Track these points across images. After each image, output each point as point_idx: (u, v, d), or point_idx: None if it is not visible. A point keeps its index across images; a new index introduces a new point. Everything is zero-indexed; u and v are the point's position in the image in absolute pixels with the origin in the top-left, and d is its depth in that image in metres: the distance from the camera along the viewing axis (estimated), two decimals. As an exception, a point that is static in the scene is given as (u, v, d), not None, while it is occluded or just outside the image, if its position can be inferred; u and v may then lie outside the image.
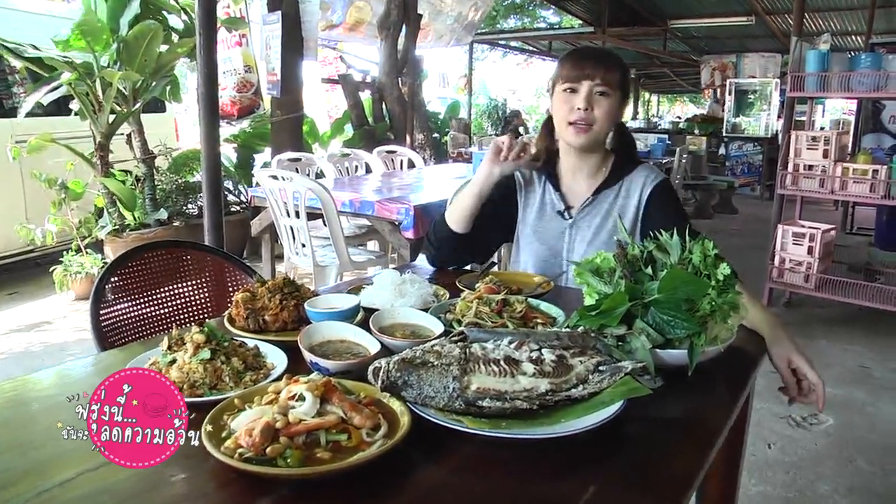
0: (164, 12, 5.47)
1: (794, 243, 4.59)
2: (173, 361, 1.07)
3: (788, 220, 4.74)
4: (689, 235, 1.26)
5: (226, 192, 6.40)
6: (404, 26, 7.60)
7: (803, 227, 4.61)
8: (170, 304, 1.90)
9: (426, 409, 0.96)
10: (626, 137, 1.95)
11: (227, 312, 1.34)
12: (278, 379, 1.00)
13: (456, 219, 1.86)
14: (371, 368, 0.98)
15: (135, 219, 5.25)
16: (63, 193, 4.84)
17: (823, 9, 9.83)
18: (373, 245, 4.75)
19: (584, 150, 1.82)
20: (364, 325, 1.26)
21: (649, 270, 1.19)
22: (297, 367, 1.12)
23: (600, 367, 1.01)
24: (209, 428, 0.87)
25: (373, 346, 1.14)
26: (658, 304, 1.12)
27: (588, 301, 1.23)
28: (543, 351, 1.01)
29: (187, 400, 1.01)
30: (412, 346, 1.08)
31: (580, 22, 12.54)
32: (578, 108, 1.71)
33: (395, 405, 0.95)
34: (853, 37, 10.91)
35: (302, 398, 0.88)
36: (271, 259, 4.37)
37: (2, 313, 4.57)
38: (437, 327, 1.25)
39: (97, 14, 5.02)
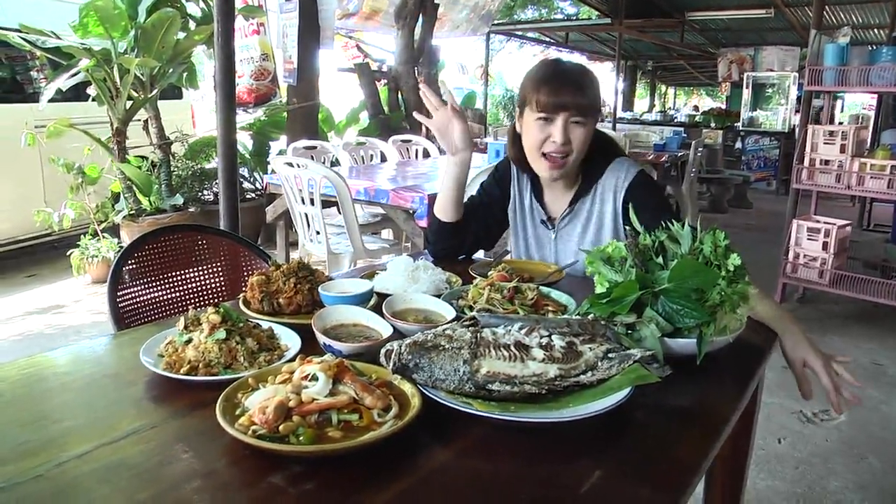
0: (182, 0, 5.50)
1: (808, 238, 4.56)
2: (189, 341, 1.09)
3: (803, 215, 4.70)
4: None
5: (241, 179, 6.43)
6: (421, 16, 7.59)
7: (818, 222, 4.57)
8: (186, 287, 1.93)
9: (437, 391, 0.97)
10: (597, 136, 1.80)
11: (241, 295, 1.36)
12: (292, 360, 1.02)
13: (441, 208, 1.87)
14: (383, 351, 0.99)
15: (150, 204, 5.30)
16: (80, 178, 4.90)
17: (844, 1, 9.70)
18: (387, 233, 4.77)
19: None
20: (377, 309, 1.28)
21: (660, 260, 1.19)
22: (310, 349, 1.14)
23: (609, 355, 1.02)
24: (223, 405, 0.89)
25: (385, 330, 1.16)
26: (668, 293, 1.12)
27: (599, 289, 1.23)
28: (553, 337, 1.03)
29: (202, 379, 1.04)
30: (424, 330, 1.09)
31: (597, 13, 12.46)
32: (555, 142, 1.65)
33: (406, 387, 0.96)
34: (875, 30, 10.77)
35: (315, 378, 0.89)
36: (286, 246, 4.40)
37: (20, 295, 4.64)
38: (448, 313, 1.27)
39: (115, 0, 5.06)
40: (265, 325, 1.21)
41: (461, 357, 0.97)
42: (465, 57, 15.34)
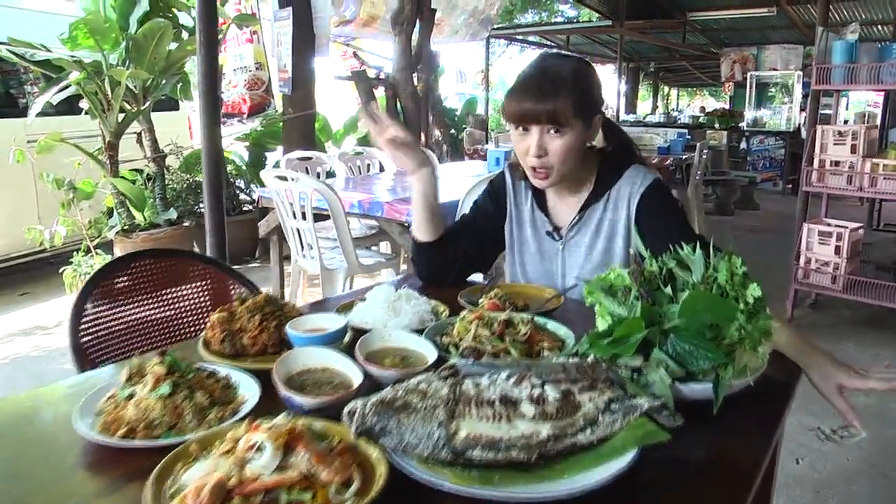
0: (174, 10, 5.39)
1: (820, 243, 4.39)
2: (132, 396, 0.96)
3: (814, 219, 4.54)
4: (687, 238, 1.15)
5: (237, 192, 6.32)
6: (418, 22, 7.46)
7: (830, 225, 4.42)
8: (159, 316, 1.79)
9: (408, 458, 0.83)
10: (616, 135, 1.73)
11: (202, 335, 1.22)
12: (244, 418, 0.88)
13: (416, 227, 1.74)
14: (346, 410, 0.85)
15: (145, 218, 5.18)
16: (71, 194, 4.78)
17: (849, -3, 9.56)
18: (384, 246, 4.63)
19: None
20: (353, 346, 1.14)
21: (669, 290, 1.05)
22: (272, 400, 1.00)
23: (612, 406, 0.88)
24: (153, 488, 0.75)
25: (356, 378, 1.02)
26: (678, 331, 0.98)
27: (600, 323, 1.09)
28: (546, 387, 0.88)
29: (141, 444, 0.90)
30: (400, 376, 0.95)
31: (598, 15, 12.34)
32: (532, 155, 1.55)
33: (373, 452, 0.82)
34: (880, 26, 10.60)
35: (262, 448, 0.75)
36: (279, 261, 4.27)
37: (12, 314, 4.53)
38: (430, 353, 1.12)
39: (105, 12, 4.95)
40: (223, 371, 1.07)
41: (436, 418, 0.82)
42: (466, 62, 15.24)
